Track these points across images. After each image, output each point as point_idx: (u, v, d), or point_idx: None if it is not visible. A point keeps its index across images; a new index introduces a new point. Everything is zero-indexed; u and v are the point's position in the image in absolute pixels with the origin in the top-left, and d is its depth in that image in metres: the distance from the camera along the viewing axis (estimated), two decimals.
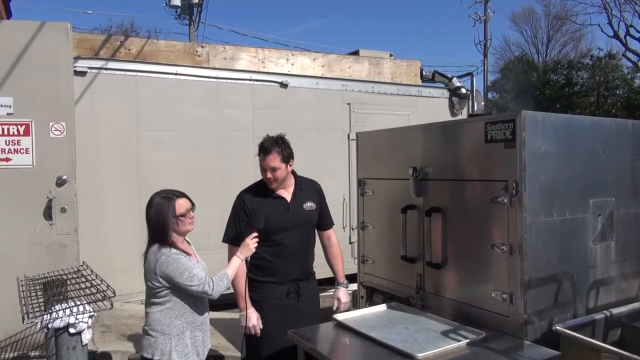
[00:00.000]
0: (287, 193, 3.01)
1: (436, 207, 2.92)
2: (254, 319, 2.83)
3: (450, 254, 2.86)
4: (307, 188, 3.11)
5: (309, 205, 3.05)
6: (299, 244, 2.99)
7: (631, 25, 22.06)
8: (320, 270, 3.26)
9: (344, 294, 3.17)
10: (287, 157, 2.95)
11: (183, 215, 2.52)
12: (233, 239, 2.91)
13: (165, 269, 2.38)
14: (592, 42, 33.47)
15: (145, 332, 2.49)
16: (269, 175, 2.92)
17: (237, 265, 2.66)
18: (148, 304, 2.51)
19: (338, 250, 3.23)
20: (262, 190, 2.99)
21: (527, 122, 2.44)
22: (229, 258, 2.81)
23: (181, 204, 2.52)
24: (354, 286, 3.63)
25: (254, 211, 2.87)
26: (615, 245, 2.87)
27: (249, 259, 2.73)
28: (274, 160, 2.90)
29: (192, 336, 2.50)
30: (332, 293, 3.27)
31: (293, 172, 3.07)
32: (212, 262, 2.91)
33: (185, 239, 2.63)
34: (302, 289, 2.99)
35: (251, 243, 2.68)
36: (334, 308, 3.12)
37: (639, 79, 22.81)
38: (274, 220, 2.88)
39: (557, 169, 2.59)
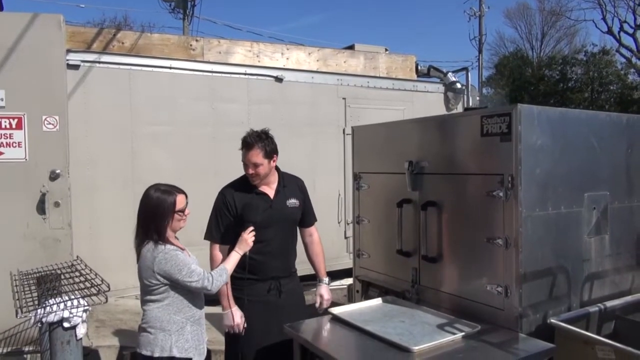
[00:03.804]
0: (270, 189, 2.96)
1: (432, 201, 2.92)
2: (237, 318, 2.80)
3: (445, 248, 2.86)
4: (291, 184, 3.05)
5: (293, 202, 3.00)
6: (281, 241, 2.94)
7: (625, 21, 22.15)
8: (308, 266, 3.24)
9: (326, 290, 3.13)
10: (270, 152, 2.90)
11: (182, 211, 2.49)
12: (214, 236, 2.88)
13: (164, 266, 2.36)
14: (586, 38, 33.63)
15: (143, 330, 2.45)
16: (251, 171, 2.87)
17: (236, 260, 2.65)
18: (145, 301, 2.48)
19: (320, 247, 3.18)
20: (244, 185, 2.94)
21: (523, 116, 2.44)
22: (212, 257, 2.84)
23: (180, 200, 2.50)
24: (349, 280, 3.63)
25: (243, 206, 2.82)
26: (609, 238, 2.88)
27: (247, 253, 2.71)
28: (257, 155, 2.85)
29: (192, 331, 2.48)
30: (339, 285, 3.28)
31: (277, 168, 3.02)
32: (205, 257, 2.88)
33: (175, 236, 2.60)
34: (284, 286, 2.94)
35: (249, 237, 2.68)
36: (317, 305, 3.11)
37: (632, 75, 22.92)
38: (254, 217, 2.81)
39: (553, 162, 2.59)
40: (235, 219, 2.85)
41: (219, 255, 2.87)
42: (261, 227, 2.82)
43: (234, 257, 2.65)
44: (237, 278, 2.85)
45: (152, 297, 2.43)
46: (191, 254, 2.61)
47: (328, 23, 61.13)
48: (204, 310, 2.63)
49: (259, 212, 2.82)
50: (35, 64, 4.26)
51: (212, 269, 2.72)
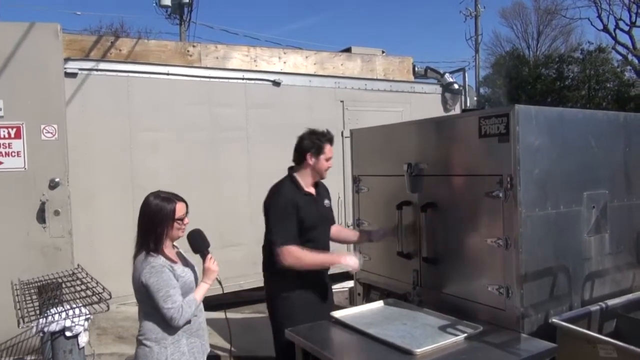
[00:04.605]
0: (312, 190, 3.03)
1: (431, 202, 2.92)
2: (353, 261, 2.85)
3: (446, 250, 2.87)
4: (320, 185, 3.13)
5: (327, 202, 3.10)
6: (325, 240, 3.03)
7: (620, 19, 22.21)
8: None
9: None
10: None
11: (181, 219, 2.44)
12: (291, 237, 2.80)
13: (148, 279, 2.29)
14: (582, 36, 33.65)
15: (140, 342, 2.40)
16: (330, 165, 3.01)
17: (205, 291, 2.47)
18: (140, 312, 2.42)
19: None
20: (295, 187, 2.95)
21: (520, 116, 2.45)
22: (299, 257, 2.75)
23: (180, 208, 2.43)
24: (350, 283, 3.63)
25: (300, 207, 2.85)
26: (609, 237, 2.89)
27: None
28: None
29: (189, 343, 2.42)
30: (340, 288, 3.33)
31: None
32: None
33: (173, 244, 2.54)
34: (328, 284, 3.05)
35: (213, 266, 2.49)
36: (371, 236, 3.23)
37: (628, 72, 22.97)
38: (309, 218, 2.88)
39: (551, 162, 2.60)
40: (297, 219, 2.86)
41: (304, 252, 2.81)
42: (311, 227, 2.88)
43: (203, 288, 2.47)
44: (288, 277, 2.83)
45: (147, 310, 2.37)
46: (190, 260, 2.56)
47: (325, 25, 61.22)
48: (204, 320, 2.56)
49: (312, 213, 2.89)
50: (33, 73, 4.26)
51: (305, 264, 2.77)
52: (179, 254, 2.54)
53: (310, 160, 2.94)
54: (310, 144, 2.94)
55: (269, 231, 2.89)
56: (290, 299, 2.86)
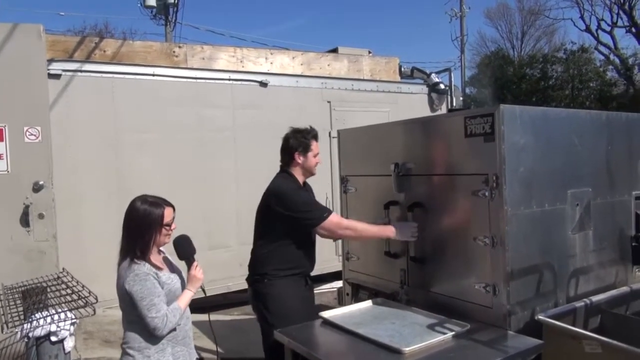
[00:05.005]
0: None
1: (418, 202, 2.94)
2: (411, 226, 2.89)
3: (433, 249, 2.88)
4: (307, 186, 3.16)
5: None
6: (314, 239, 3.05)
7: (602, 19, 22.55)
8: (320, 266, 3.30)
9: None
10: None
11: (169, 225, 2.37)
12: (327, 208, 2.93)
13: (131, 287, 2.23)
14: (565, 36, 34.06)
15: (124, 351, 2.34)
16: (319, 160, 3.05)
17: (188, 299, 2.41)
18: (124, 321, 2.37)
19: None
20: (295, 181, 3.00)
21: (505, 116, 2.47)
22: (345, 224, 2.93)
23: (168, 213, 2.37)
24: (339, 283, 3.63)
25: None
26: (593, 234, 2.93)
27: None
28: None
29: (174, 352, 2.35)
30: (329, 288, 3.35)
31: None
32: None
33: (160, 249, 2.49)
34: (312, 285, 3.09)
35: (198, 273, 2.44)
36: None
37: (610, 72, 23.34)
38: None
39: (536, 161, 2.63)
40: None
41: (353, 221, 3.03)
42: None
43: (188, 295, 2.41)
44: (281, 270, 2.88)
45: (130, 318, 2.31)
46: (176, 265, 2.51)
47: (311, 26, 61.26)
48: (190, 327, 2.49)
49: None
50: (15, 75, 4.20)
51: (359, 233, 2.93)
52: (165, 259, 2.49)
53: (299, 159, 2.97)
54: (297, 143, 2.96)
55: (300, 216, 2.84)
56: (282, 300, 2.86)
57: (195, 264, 2.45)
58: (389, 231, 2.92)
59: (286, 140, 3.00)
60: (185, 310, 2.39)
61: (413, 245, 2.95)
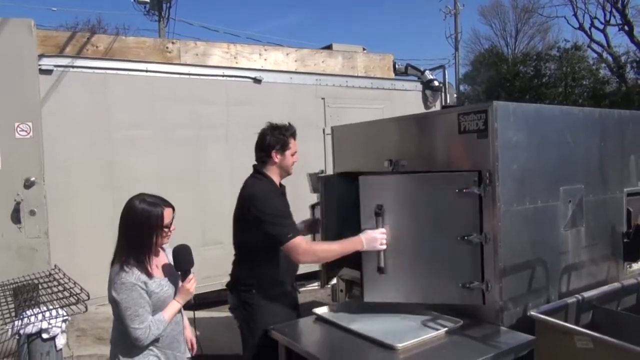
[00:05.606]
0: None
1: (381, 204, 2.86)
2: (377, 233, 2.65)
3: (427, 243, 2.88)
4: (282, 186, 2.97)
5: None
6: None
7: (595, 17, 22.65)
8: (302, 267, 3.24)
9: None
10: None
11: (168, 226, 2.29)
12: (297, 230, 2.67)
13: (117, 295, 2.17)
14: (559, 34, 34.26)
15: (111, 352, 2.31)
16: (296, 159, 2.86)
17: (175, 311, 2.32)
18: (114, 322, 2.31)
19: None
20: (270, 183, 2.78)
21: (499, 113, 2.47)
22: (310, 250, 2.62)
23: (167, 214, 2.27)
24: (332, 280, 3.63)
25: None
26: (585, 230, 2.94)
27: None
28: None
29: (164, 355, 2.30)
30: (310, 288, 3.27)
31: None
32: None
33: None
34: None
35: (191, 287, 2.36)
36: None
37: (603, 70, 23.49)
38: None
39: (529, 158, 2.64)
40: None
41: (310, 243, 2.76)
42: None
43: (174, 307, 2.32)
44: (267, 281, 2.72)
45: (116, 322, 2.27)
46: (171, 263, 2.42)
47: (305, 23, 61.13)
48: (181, 331, 2.43)
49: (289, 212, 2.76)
50: (6, 70, 4.16)
51: (323, 258, 2.76)
52: (164, 264, 2.39)
53: (276, 158, 2.77)
54: (275, 140, 2.76)
55: (271, 230, 2.60)
56: (271, 311, 2.71)
57: (190, 276, 2.36)
58: (357, 244, 2.65)
59: (262, 136, 2.80)
60: (169, 322, 2.29)
61: (382, 253, 2.70)
